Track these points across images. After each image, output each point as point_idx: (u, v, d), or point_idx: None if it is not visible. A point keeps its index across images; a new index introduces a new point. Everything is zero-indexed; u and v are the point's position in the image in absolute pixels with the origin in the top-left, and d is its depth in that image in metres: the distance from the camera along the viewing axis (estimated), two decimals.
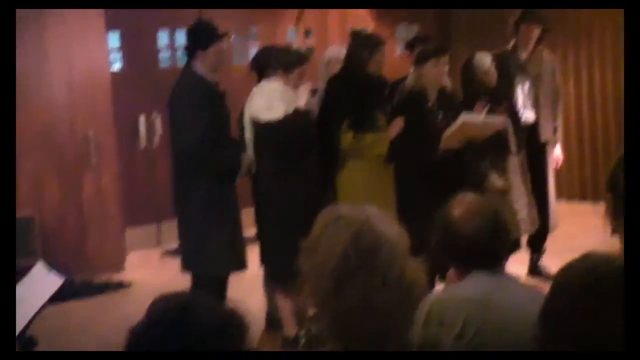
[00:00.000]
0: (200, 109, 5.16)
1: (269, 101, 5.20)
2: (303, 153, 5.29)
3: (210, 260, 5.26)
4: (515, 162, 6.15)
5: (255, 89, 5.37)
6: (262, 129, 5.25)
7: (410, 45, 6.41)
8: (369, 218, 1.92)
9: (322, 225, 1.96)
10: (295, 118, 5.21)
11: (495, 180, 6.10)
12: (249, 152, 5.35)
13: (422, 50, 5.70)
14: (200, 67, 5.27)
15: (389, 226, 1.93)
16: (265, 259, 5.51)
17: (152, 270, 7.63)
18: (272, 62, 5.39)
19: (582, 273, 1.46)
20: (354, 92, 5.46)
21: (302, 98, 5.36)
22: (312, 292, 1.91)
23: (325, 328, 1.94)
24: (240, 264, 5.38)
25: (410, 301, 1.92)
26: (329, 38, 9.50)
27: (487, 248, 2.69)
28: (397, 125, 5.51)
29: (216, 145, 5.17)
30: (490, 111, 5.78)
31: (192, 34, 5.38)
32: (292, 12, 9.31)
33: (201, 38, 5.28)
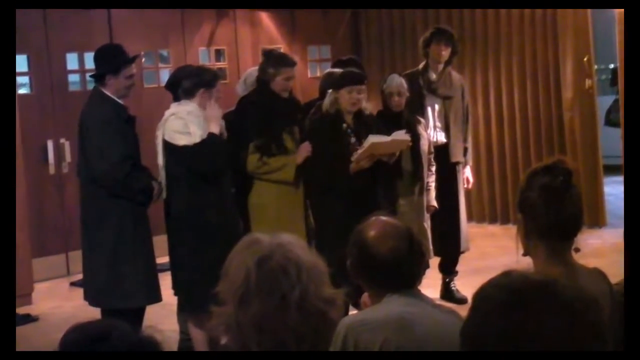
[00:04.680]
0: (116, 134, 5.06)
1: (186, 125, 5.08)
2: (217, 179, 5.19)
3: (124, 294, 5.13)
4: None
5: (167, 112, 5.21)
6: (178, 154, 5.14)
7: (340, 62, 6.38)
8: (281, 243, 1.92)
9: (237, 250, 1.95)
10: (211, 142, 5.09)
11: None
12: (161, 177, 5.25)
13: (340, 75, 5.63)
14: (111, 91, 5.18)
15: (303, 253, 1.92)
16: (177, 288, 5.36)
17: (61, 301, 7.44)
18: (186, 82, 5.25)
19: (503, 289, 1.47)
20: (260, 112, 5.41)
21: (217, 121, 5.22)
22: (220, 314, 1.91)
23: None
24: (155, 297, 5.28)
25: (325, 325, 1.90)
26: (241, 59, 9.47)
27: (402, 269, 2.70)
28: (304, 150, 5.46)
29: (132, 170, 5.09)
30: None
31: (102, 59, 5.28)
32: (204, 34, 9.27)
33: (112, 63, 5.18)
